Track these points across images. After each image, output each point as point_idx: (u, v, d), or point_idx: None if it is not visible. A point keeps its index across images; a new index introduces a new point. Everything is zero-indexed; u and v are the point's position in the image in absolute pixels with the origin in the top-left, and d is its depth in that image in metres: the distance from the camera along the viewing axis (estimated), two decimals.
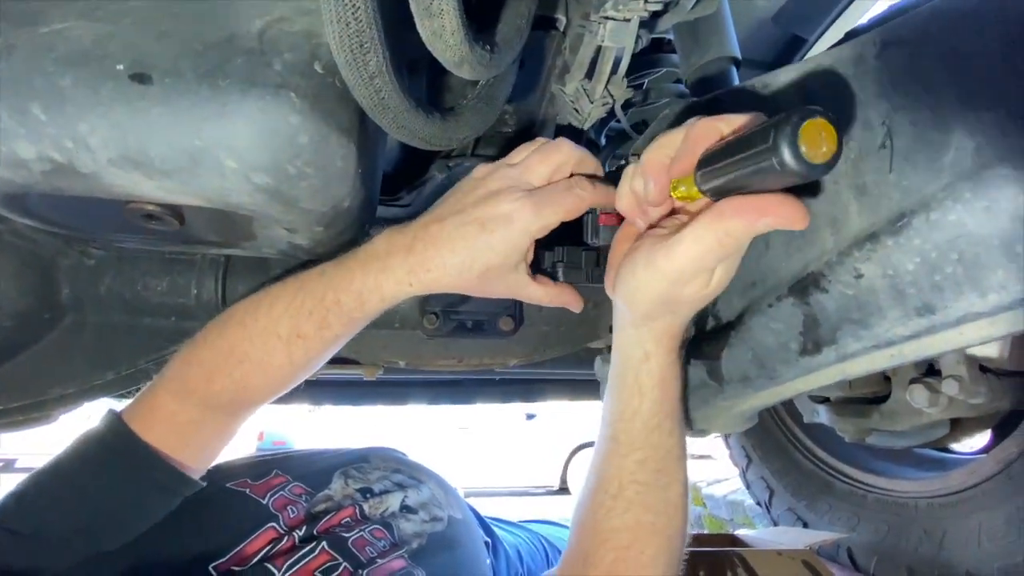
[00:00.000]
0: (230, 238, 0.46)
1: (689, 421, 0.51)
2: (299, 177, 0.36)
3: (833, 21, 1.19)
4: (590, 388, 1.34)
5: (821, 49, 1.15)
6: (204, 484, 0.52)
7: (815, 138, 0.22)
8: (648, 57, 0.80)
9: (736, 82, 0.69)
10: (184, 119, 0.32)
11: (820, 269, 0.31)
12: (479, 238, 0.43)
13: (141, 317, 0.59)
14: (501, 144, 0.78)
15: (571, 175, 0.46)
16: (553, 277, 0.50)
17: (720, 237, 0.32)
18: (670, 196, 0.36)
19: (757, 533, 0.85)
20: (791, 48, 1.23)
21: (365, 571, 0.55)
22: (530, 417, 5.41)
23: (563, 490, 5.17)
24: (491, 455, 4.29)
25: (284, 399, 0.72)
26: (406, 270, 0.44)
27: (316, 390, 1.29)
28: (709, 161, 0.29)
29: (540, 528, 1.22)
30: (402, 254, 0.44)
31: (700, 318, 0.43)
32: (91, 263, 0.57)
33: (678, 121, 0.40)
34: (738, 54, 0.68)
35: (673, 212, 0.40)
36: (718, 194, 0.30)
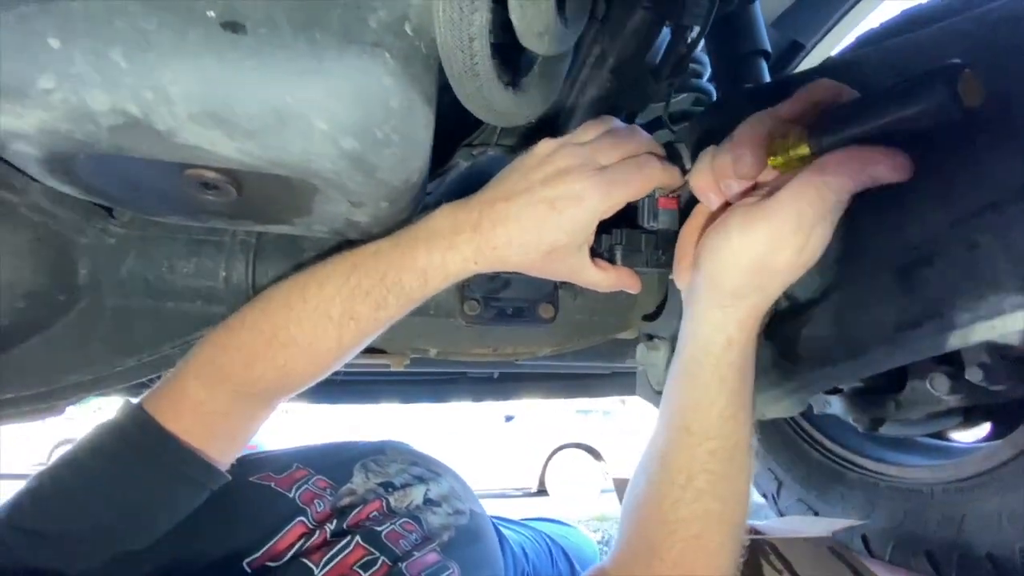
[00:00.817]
0: (284, 213, 0.43)
1: None
2: (384, 144, 0.34)
3: (830, 29, 1.23)
4: (572, 385, 1.32)
5: (817, 56, 1.19)
6: (230, 477, 0.49)
7: (969, 85, 0.25)
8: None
9: (766, 76, 0.70)
10: (278, 74, 0.30)
11: (925, 241, 0.31)
12: (549, 217, 0.42)
13: (164, 301, 0.55)
14: (523, 134, 0.77)
15: None
16: (611, 261, 0.50)
17: (821, 192, 0.32)
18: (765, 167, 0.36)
19: (772, 522, 0.86)
20: (788, 54, 1.25)
21: (404, 564, 0.53)
22: (509, 419, 5.40)
23: (541, 492, 5.17)
24: (470, 457, 4.25)
25: None
26: (473, 248, 0.43)
27: None
28: (835, 115, 0.29)
29: (543, 526, 1.21)
30: (468, 232, 0.43)
31: None
32: (112, 242, 0.53)
33: (752, 104, 0.40)
34: (768, 47, 0.70)
35: (753, 189, 0.40)
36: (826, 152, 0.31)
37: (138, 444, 0.45)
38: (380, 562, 0.52)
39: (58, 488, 0.44)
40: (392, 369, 0.74)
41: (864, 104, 0.28)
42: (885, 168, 0.29)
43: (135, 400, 0.47)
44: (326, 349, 0.47)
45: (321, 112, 0.31)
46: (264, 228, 0.46)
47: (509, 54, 0.52)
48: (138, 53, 0.28)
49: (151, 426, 0.45)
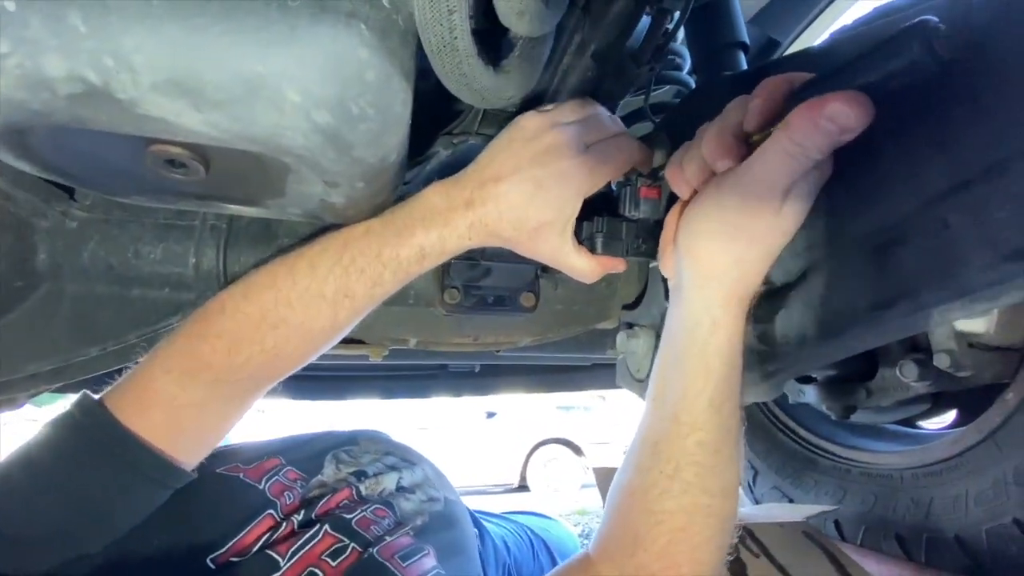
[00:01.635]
0: (256, 194, 0.42)
1: None
2: (360, 119, 0.33)
3: (806, 27, 1.25)
4: (553, 378, 1.32)
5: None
6: (195, 475, 0.47)
7: (940, 40, 0.26)
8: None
9: (744, 67, 0.71)
10: (248, 41, 0.28)
11: (897, 222, 0.32)
12: (536, 195, 0.44)
13: (130, 288, 0.53)
14: (504, 121, 0.77)
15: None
16: (591, 248, 0.50)
17: (787, 146, 0.32)
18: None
19: (748, 509, 0.88)
20: (765, 51, 1.27)
21: (374, 549, 0.52)
22: (490, 415, 5.40)
23: (523, 487, 5.18)
24: (451, 454, 4.24)
25: None
26: (467, 224, 0.44)
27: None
28: (813, 83, 0.30)
29: (525, 519, 1.21)
30: (462, 210, 0.44)
31: None
32: (73, 226, 0.51)
33: (733, 92, 0.40)
34: (746, 39, 0.70)
35: None
36: None
37: (94, 442, 0.42)
38: (350, 549, 0.51)
39: (7, 488, 0.41)
40: (371, 361, 0.72)
41: (842, 70, 0.28)
42: (841, 105, 0.29)
43: (93, 394, 0.45)
44: (320, 329, 0.46)
45: (293, 83, 0.30)
46: (236, 210, 0.45)
47: (490, 39, 0.52)
48: (98, 16, 0.27)
49: (107, 422, 0.42)
